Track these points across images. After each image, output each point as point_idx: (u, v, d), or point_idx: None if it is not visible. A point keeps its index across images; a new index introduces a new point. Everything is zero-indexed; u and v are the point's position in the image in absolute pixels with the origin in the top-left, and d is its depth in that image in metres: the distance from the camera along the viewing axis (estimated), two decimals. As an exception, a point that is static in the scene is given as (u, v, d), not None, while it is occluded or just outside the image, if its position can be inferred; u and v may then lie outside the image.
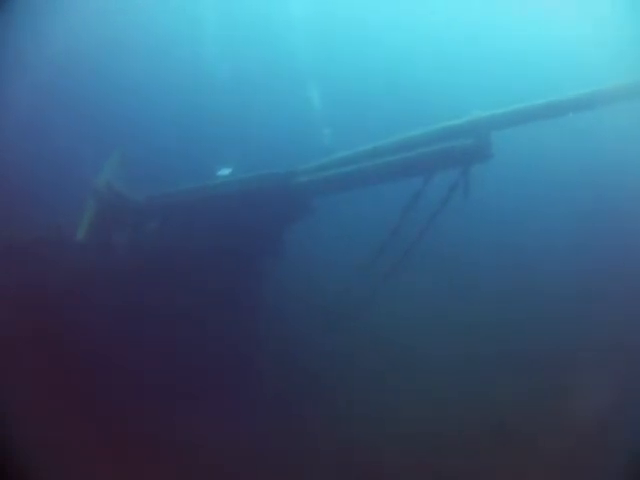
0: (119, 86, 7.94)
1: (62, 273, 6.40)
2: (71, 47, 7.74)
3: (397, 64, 7.86)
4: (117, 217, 6.25)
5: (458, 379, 6.20)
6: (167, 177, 6.49)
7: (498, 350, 6.52)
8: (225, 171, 6.40)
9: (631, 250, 6.84)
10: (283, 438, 5.74)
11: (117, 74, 7.97)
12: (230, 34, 7.97)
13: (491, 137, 5.31)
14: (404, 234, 5.87)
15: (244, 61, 7.94)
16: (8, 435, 5.34)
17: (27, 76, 7.24)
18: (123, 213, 6.22)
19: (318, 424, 5.96)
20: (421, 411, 5.90)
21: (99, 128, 7.20)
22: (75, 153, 7.11)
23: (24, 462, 5.24)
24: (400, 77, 7.79)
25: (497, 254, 7.50)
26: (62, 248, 6.37)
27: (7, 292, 6.26)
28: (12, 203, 7.01)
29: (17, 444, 5.27)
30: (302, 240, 6.42)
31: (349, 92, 7.59)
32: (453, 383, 6.17)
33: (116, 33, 8.03)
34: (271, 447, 5.68)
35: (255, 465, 5.55)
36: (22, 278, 6.41)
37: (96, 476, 5.43)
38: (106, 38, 7.99)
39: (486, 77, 7.46)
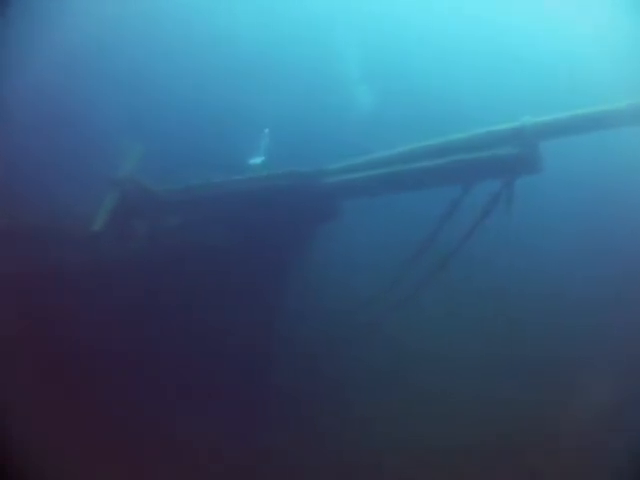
0: (145, 76, 7.68)
1: (77, 263, 6.15)
2: (92, 36, 7.51)
3: (440, 64, 7.44)
4: (137, 209, 6.00)
5: (480, 393, 6.09)
6: (192, 170, 6.21)
7: (517, 358, 6.43)
8: (256, 160, 6.10)
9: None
10: (296, 442, 5.70)
11: (146, 63, 7.70)
12: (266, 27, 7.65)
13: (540, 147, 4.85)
14: (438, 246, 5.46)
15: (279, 54, 7.63)
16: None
17: (45, 63, 7.05)
18: (144, 206, 5.97)
19: (332, 429, 5.90)
20: (436, 426, 5.79)
21: (122, 118, 6.92)
22: (97, 143, 6.91)
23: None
24: (441, 77, 7.37)
25: (534, 272, 7.06)
26: (79, 238, 6.10)
27: (19, 280, 6.05)
28: (29, 192, 6.89)
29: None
30: (327, 244, 6.08)
31: (388, 91, 7.19)
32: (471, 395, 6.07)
33: (141, 20, 7.75)
34: (284, 450, 5.63)
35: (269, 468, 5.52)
36: (36, 266, 6.24)
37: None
38: (131, 25, 7.72)
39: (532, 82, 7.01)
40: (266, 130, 6.32)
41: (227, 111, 7.17)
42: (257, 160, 6.14)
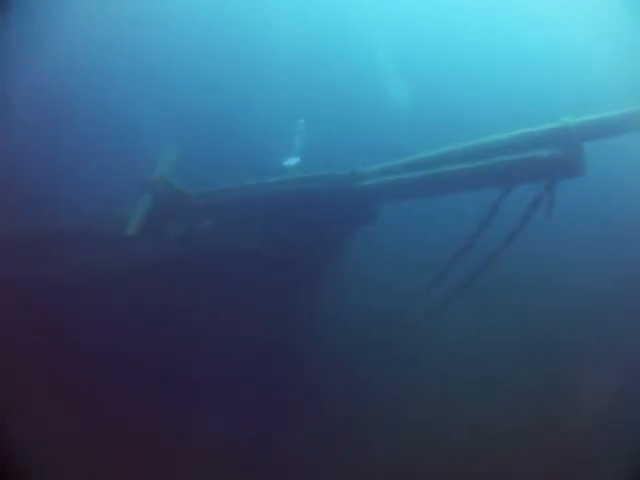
0: (182, 75, 7.85)
1: (110, 265, 6.14)
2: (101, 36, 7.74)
3: (480, 63, 7.53)
4: (171, 212, 5.98)
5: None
6: (225, 173, 6.21)
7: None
8: (291, 162, 6.07)
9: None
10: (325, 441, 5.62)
11: (180, 63, 7.88)
12: (297, 25, 7.85)
13: (584, 148, 4.76)
14: (474, 253, 5.27)
15: (312, 52, 7.79)
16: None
17: (49, 63, 7.26)
18: (178, 208, 5.95)
19: (363, 429, 5.79)
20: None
21: (156, 119, 7.02)
22: (130, 144, 6.99)
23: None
24: (481, 77, 7.42)
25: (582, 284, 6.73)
26: (112, 240, 6.08)
27: (51, 281, 6.12)
28: (62, 193, 6.94)
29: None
30: (361, 250, 5.93)
31: (425, 90, 7.24)
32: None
33: (150, 20, 8.01)
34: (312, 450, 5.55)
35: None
36: (69, 268, 6.21)
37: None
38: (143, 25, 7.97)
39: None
40: (301, 121, 6.34)
41: (260, 112, 7.24)
42: (292, 161, 6.13)
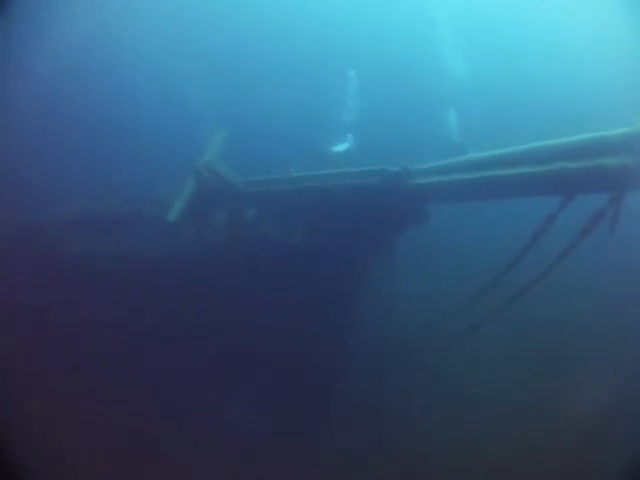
0: (232, 68, 7.81)
1: (152, 249, 6.25)
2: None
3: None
4: (215, 200, 5.92)
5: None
6: (275, 160, 6.10)
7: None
8: (341, 147, 5.92)
9: None
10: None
11: (233, 57, 7.85)
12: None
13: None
14: (525, 265, 4.97)
15: (369, 35, 7.60)
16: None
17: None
18: (222, 196, 5.88)
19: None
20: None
21: (203, 108, 7.00)
22: (178, 131, 6.99)
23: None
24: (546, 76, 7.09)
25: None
26: (156, 225, 6.15)
27: (97, 262, 6.31)
28: (110, 177, 7.00)
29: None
30: (407, 251, 5.70)
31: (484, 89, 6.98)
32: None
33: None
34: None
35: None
36: (114, 250, 6.42)
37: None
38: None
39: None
40: (352, 72, 6.14)
41: (309, 97, 7.09)
42: (340, 147, 5.98)
